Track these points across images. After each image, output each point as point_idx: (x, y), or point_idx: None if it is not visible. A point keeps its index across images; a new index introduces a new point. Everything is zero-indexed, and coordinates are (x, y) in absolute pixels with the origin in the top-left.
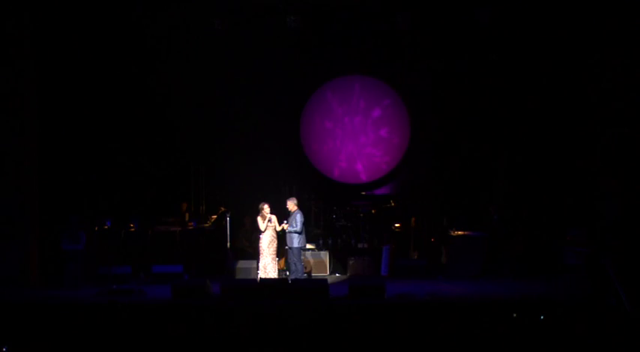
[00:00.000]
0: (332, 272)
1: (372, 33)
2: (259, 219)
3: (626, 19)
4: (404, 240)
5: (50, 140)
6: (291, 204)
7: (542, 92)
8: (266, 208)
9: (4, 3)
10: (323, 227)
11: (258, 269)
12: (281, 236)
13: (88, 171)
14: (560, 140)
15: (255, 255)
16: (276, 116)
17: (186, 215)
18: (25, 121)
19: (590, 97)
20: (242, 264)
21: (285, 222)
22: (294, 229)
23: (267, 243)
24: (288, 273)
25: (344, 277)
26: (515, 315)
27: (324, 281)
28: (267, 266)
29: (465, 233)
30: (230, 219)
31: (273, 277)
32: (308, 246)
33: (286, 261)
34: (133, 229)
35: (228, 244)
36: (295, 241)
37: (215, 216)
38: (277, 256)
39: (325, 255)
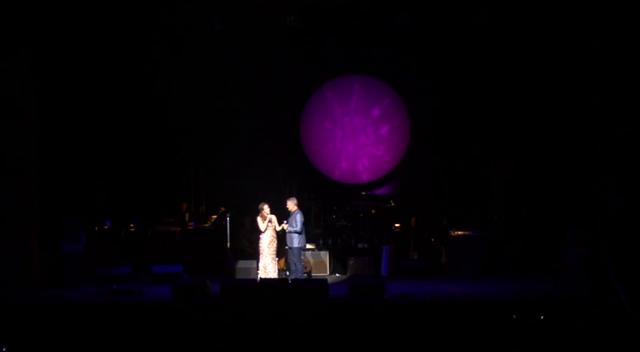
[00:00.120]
0: (332, 272)
1: (372, 33)
2: (259, 219)
3: (626, 18)
4: (404, 240)
5: (50, 140)
6: (291, 204)
7: (542, 92)
8: (266, 208)
9: (4, 3)
10: (323, 227)
11: (258, 269)
12: (281, 236)
13: (88, 171)
14: (560, 140)
15: (255, 255)
16: (276, 116)
17: (186, 215)
18: (25, 121)
19: (590, 97)
20: (242, 263)
21: (285, 222)
22: (294, 229)
23: (267, 243)
24: (288, 273)
25: (344, 277)
26: (514, 317)
27: (324, 281)
28: (267, 266)
29: (465, 233)
30: (230, 219)
31: (273, 277)
32: (308, 246)
33: (286, 261)
34: (133, 229)
35: (228, 244)
36: (295, 241)
37: (215, 216)
38: (277, 256)
39: (325, 255)
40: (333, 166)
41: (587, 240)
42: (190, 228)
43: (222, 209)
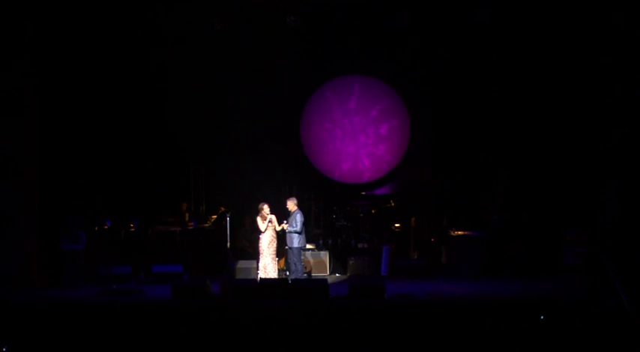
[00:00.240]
0: (332, 272)
1: (372, 33)
2: (259, 219)
3: (626, 18)
4: (404, 240)
5: (50, 140)
6: (291, 204)
7: (543, 92)
8: (266, 208)
9: (5, 4)
10: (323, 227)
11: (258, 269)
12: (281, 236)
13: (88, 171)
14: (560, 140)
15: (255, 255)
16: (276, 116)
17: (186, 215)
18: (25, 121)
19: (590, 97)
20: (242, 263)
21: (285, 222)
22: (294, 229)
23: (267, 243)
24: (288, 273)
25: (344, 277)
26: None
27: (324, 281)
28: (267, 266)
29: (465, 233)
30: (230, 219)
31: (273, 277)
32: (308, 246)
33: (286, 261)
34: (133, 229)
35: (228, 244)
36: (295, 241)
37: (215, 216)
38: (277, 256)
39: (325, 255)
40: (333, 166)
41: (587, 240)
42: (190, 228)
43: (222, 209)
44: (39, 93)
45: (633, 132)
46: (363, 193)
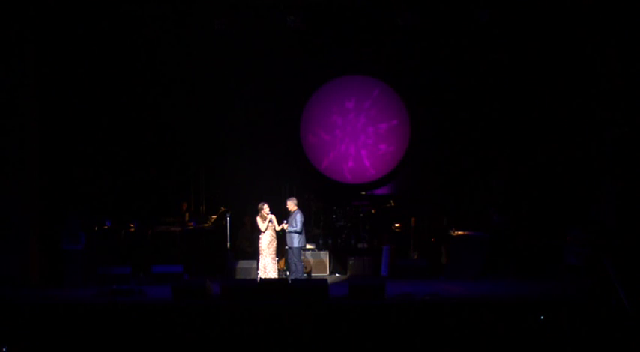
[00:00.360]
0: (332, 272)
1: (372, 32)
2: (259, 219)
3: (626, 18)
4: (404, 240)
5: (50, 140)
6: (291, 204)
7: (543, 91)
8: (266, 208)
9: (5, 5)
10: (323, 227)
11: (258, 269)
12: (281, 236)
13: (88, 172)
14: (560, 140)
15: (255, 255)
16: (276, 116)
17: (186, 215)
18: (25, 121)
19: (590, 97)
20: (242, 263)
21: (285, 221)
22: (294, 229)
23: (266, 243)
24: (288, 273)
25: (344, 277)
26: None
27: (324, 281)
28: (267, 266)
29: (465, 233)
30: (230, 219)
31: (273, 277)
32: (308, 246)
33: (286, 261)
34: (133, 229)
35: (228, 244)
36: (295, 241)
37: (215, 216)
38: (277, 256)
39: (325, 255)
40: (333, 166)
41: (587, 240)
42: (190, 228)
43: (222, 209)
44: (39, 93)
45: (632, 133)
46: (363, 193)
